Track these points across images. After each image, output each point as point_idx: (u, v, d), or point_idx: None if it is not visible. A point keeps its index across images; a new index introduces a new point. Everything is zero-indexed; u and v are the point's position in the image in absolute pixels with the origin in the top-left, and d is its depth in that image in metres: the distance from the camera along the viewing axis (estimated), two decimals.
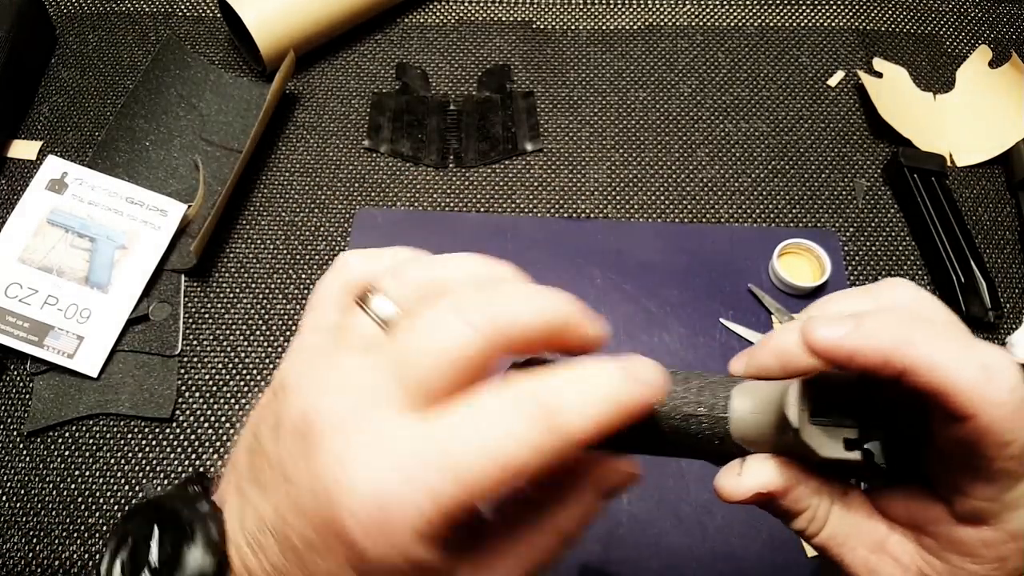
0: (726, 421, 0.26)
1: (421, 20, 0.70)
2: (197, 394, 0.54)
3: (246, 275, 0.58)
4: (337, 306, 0.24)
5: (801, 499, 0.25)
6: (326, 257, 0.59)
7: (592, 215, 0.61)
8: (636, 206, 0.61)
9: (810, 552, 0.48)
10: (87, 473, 0.51)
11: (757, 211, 0.61)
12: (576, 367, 0.22)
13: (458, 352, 0.21)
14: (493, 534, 0.23)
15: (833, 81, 0.67)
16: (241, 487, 0.23)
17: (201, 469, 0.52)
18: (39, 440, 0.52)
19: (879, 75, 0.66)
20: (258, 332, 0.56)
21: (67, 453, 0.52)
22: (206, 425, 0.53)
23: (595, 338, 0.24)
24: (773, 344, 0.26)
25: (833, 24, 0.70)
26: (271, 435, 0.22)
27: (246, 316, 0.57)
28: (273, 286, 0.58)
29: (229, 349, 0.55)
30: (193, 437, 0.52)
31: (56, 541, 0.49)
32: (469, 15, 0.71)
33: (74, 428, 0.53)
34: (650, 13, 0.71)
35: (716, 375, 0.27)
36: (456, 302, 0.22)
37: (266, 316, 0.57)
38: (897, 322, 0.22)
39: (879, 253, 0.59)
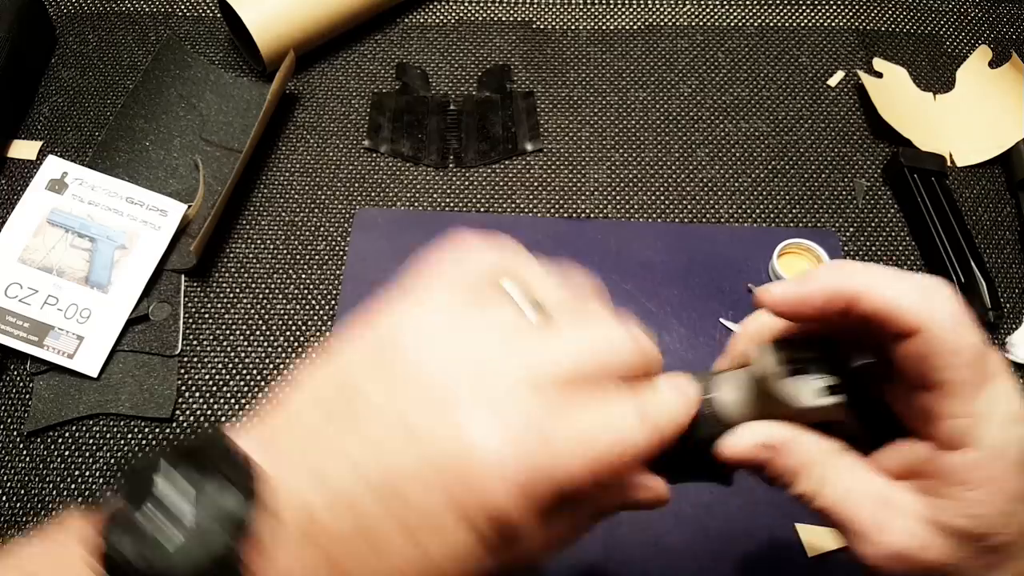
0: (711, 402, 0.28)
1: (421, 20, 0.70)
2: (197, 394, 0.54)
3: (246, 275, 0.58)
4: (469, 285, 0.26)
5: (798, 456, 0.26)
6: (326, 257, 0.59)
7: (592, 215, 0.61)
8: (636, 206, 0.61)
9: (810, 552, 0.48)
10: (87, 473, 0.51)
11: (757, 211, 0.61)
12: (660, 385, 0.26)
13: (610, 358, 0.25)
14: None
15: (833, 81, 0.67)
16: (319, 439, 0.23)
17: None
18: (39, 440, 0.52)
19: (879, 75, 0.66)
20: (258, 332, 0.56)
21: (67, 453, 0.52)
22: (206, 425, 0.53)
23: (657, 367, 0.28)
24: (743, 330, 0.29)
25: (833, 24, 0.70)
26: (382, 388, 0.23)
27: (246, 316, 0.57)
28: (273, 286, 0.58)
29: (229, 349, 0.55)
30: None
31: None
32: (469, 15, 0.71)
33: (74, 428, 0.53)
34: (650, 13, 0.71)
35: (698, 373, 0.29)
36: (611, 317, 0.26)
37: (266, 316, 0.57)
38: (838, 266, 0.26)
39: (879, 253, 0.59)
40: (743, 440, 0.27)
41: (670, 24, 0.70)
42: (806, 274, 0.26)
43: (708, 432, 0.27)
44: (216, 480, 0.21)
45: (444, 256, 0.27)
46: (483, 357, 0.23)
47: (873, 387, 0.27)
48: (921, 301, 0.24)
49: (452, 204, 0.61)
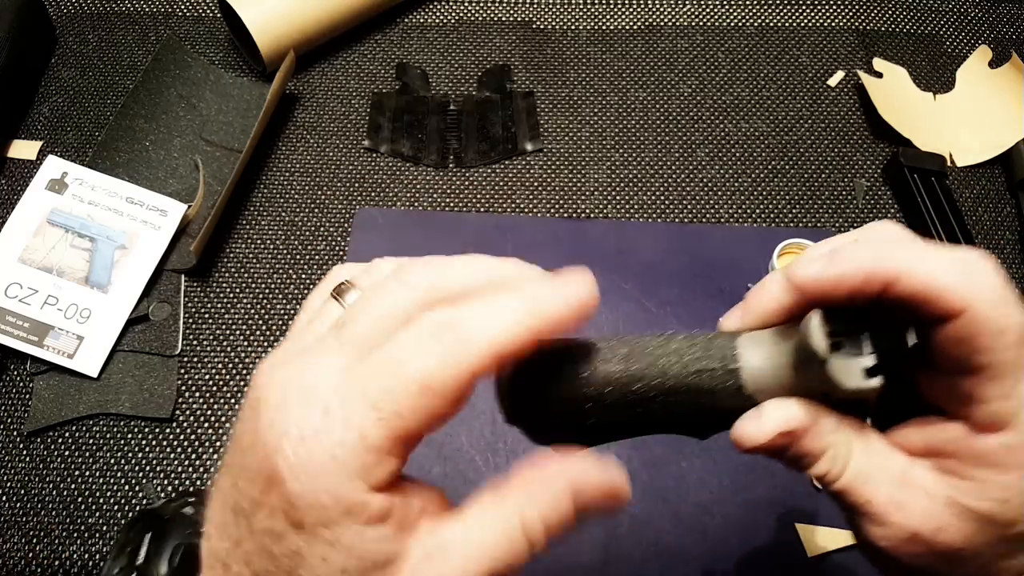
0: (738, 372, 0.25)
1: (421, 20, 0.70)
2: (197, 394, 0.54)
3: (246, 275, 0.58)
4: (313, 310, 0.26)
5: (822, 436, 0.24)
6: (326, 257, 0.59)
7: (592, 215, 0.61)
8: (636, 206, 0.61)
9: (810, 552, 0.48)
10: (87, 473, 0.51)
11: (757, 211, 0.61)
12: (484, 302, 0.23)
13: (396, 312, 0.22)
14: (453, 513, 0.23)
15: (833, 81, 0.67)
16: (219, 482, 0.24)
17: (198, 480, 0.52)
18: (39, 440, 0.52)
19: (879, 75, 0.66)
20: (258, 332, 0.56)
21: (67, 453, 0.52)
22: (206, 425, 0.53)
23: (584, 312, 0.25)
24: (768, 289, 0.26)
25: (833, 24, 0.70)
26: (244, 414, 0.23)
27: (246, 316, 0.57)
28: (273, 286, 0.58)
29: (229, 349, 0.55)
30: (193, 437, 0.52)
31: (56, 541, 0.49)
32: (469, 15, 0.71)
33: (74, 428, 0.53)
34: (650, 13, 0.71)
35: (708, 333, 0.27)
36: (405, 279, 0.23)
37: (266, 316, 0.57)
38: (874, 243, 0.24)
39: None
40: (766, 429, 0.24)
41: (670, 24, 0.70)
42: (837, 251, 0.23)
43: (725, 403, 0.25)
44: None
45: (308, 297, 0.28)
46: (301, 353, 0.23)
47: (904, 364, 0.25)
48: (964, 279, 0.22)
49: (452, 204, 0.61)
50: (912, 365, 0.25)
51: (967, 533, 0.23)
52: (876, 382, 0.23)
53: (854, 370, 0.23)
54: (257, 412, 0.21)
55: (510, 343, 0.22)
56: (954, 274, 0.22)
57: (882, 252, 0.23)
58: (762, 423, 0.24)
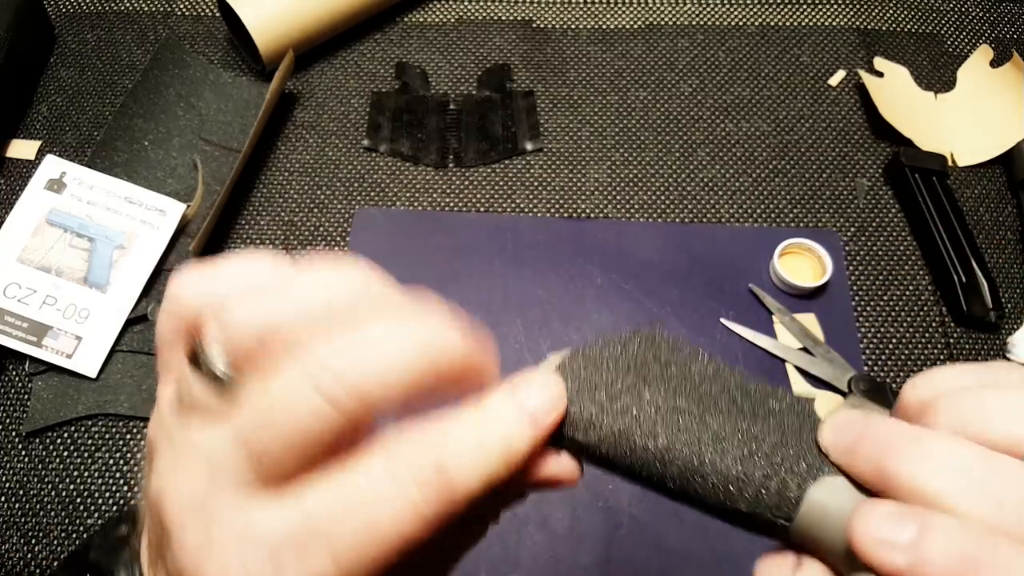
0: (794, 508, 0.20)
1: (421, 19, 0.70)
2: None
3: None
4: (174, 351, 0.20)
5: None
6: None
7: (592, 215, 0.61)
8: (636, 206, 0.61)
9: None
10: (86, 473, 0.51)
11: (758, 211, 0.61)
12: (464, 414, 0.19)
13: (314, 431, 0.18)
14: None
15: (834, 81, 0.67)
16: (150, 552, 0.21)
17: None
18: (38, 440, 0.52)
19: (880, 74, 0.66)
20: None
21: (66, 453, 0.52)
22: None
23: (486, 371, 0.21)
24: (873, 447, 0.20)
25: (834, 23, 0.70)
26: (149, 516, 0.20)
27: None
28: None
29: None
30: None
31: (55, 541, 0.49)
32: (469, 14, 0.70)
33: (73, 428, 0.52)
34: (650, 13, 0.70)
35: (791, 421, 0.21)
36: (306, 363, 0.18)
37: None
38: (970, 554, 0.17)
39: (880, 253, 0.59)
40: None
41: (670, 24, 0.70)
42: (921, 533, 0.18)
43: (763, 510, 0.21)
44: None
45: (158, 318, 0.21)
46: (193, 467, 0.18)
47: None
48: None
49: (452, 204, 0.61)
50: None
51: None
52: None
53: None
54: (170, 541, 0.18)
55: (495, 484, 0.19)
56: None
57: (966, 566, 0.17)
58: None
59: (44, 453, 0.52)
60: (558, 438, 0.22)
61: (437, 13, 0.71)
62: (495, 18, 0.70)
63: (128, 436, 0.52)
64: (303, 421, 0.17)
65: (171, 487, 0.19)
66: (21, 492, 0.50)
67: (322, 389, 0.17)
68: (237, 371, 0.18)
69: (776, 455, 0.21)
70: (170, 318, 0.20)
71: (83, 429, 0.52)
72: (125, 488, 0.51)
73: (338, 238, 0.59)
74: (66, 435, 0.52)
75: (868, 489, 0.20)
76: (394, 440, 0.19)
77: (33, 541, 0.49)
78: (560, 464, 0.22)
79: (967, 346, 0.56)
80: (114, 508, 0.50)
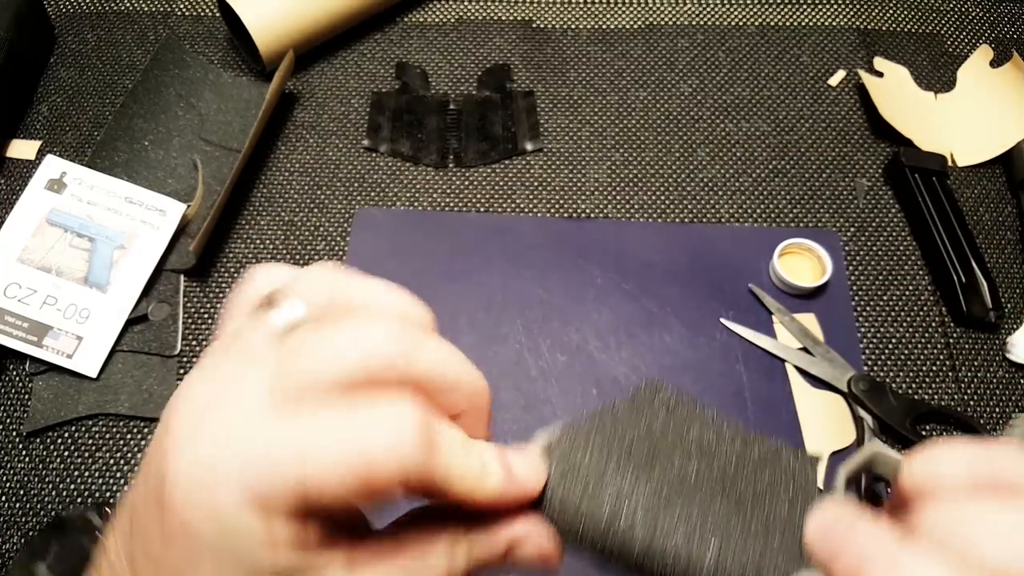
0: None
1: (421, 20, 0.70)
2: None
3: None
4: (243, 313, 0.22)
5: None
6: (326, 257, 0.59)
7: (592, 215, 0.61)
8: (636, 206, 0.61)
9: None
10: (86, 473, 0.51)
11: (757, 211, 0.61)
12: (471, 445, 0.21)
13: (349, 366, 0.19)
14: (380, 544, 0.21)
15: (834, 81, 0.67)
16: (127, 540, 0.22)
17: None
18: (38, 440, 0.52)
19: (880, 75, 0.66)
20: None
21: (66, 453, 0.52)
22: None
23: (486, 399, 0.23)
24: (853, 559, 0.20)
25: (834, 23, 0.70)
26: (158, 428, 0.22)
27: None
28: None
29: None
30: None
31: None
32: (469, 15, 0.70)
33: (73, 428, 0.52)
34: (650, 13, 0.70)
35: (778, 506, 0.21)
36: (366, 321, 0.20)
37: None
38: None
39: (880, 253, 0.59)
40: None
41: (670, 24, 0.70)
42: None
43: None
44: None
45: (226, 302, 0.24)
46: (213, 377, 0.20)
47: None
48: None
49: (452, 204, 0.61)
50: None
51: None
52: None
53: None
54: (164, 430, 0.20)
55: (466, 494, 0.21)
56: None
57: None
58: None
59: (45, 453, 0.52)
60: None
61: (437, 13, 0.71)
62: (495, 18, 0.70)
63: (128, 436, 0.52)
64: (341, 352, 0.19)
65: (184, 393, 0.20)
66: (22, 492, 0.51)
67: (369, 335, 0.20)
68: (302, 320, 0.21)
69: (756, 550, 0.21)
70: (247, 292, 0.23)
71: (83, 429, 0.52)
72: (125, 488, 0.51)
73: (338, 238, 0.59)
74: (67, 435, 0.52)
75: None
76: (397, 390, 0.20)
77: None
78: (536, 541, 0.22)
79: (967, 346, 0.56)
80: (114, 508, 0.50)
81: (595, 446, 0.23)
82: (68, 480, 0.51)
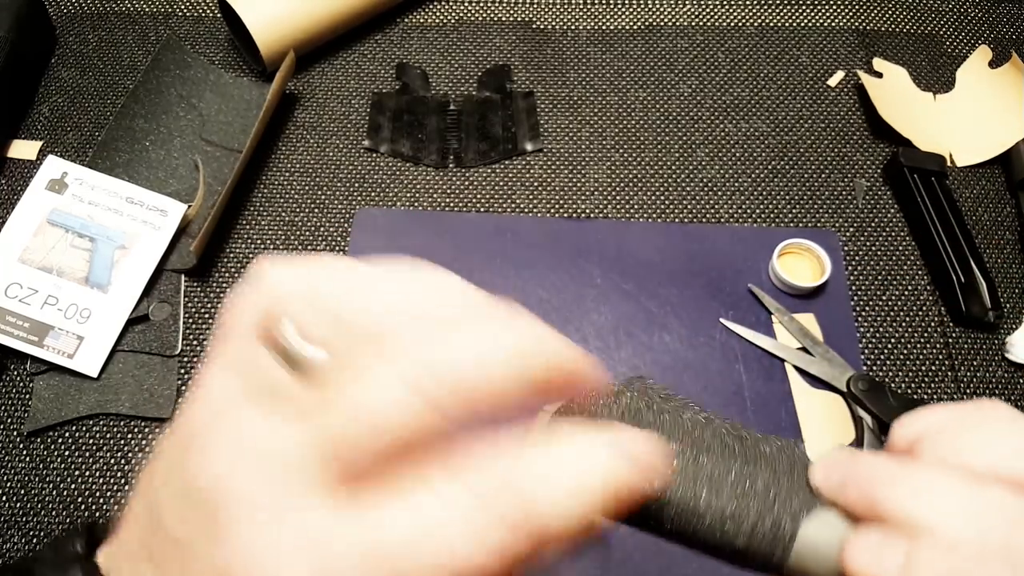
0: (789, 543, 0.21)
1: (421, 20, 0.70)
2: None
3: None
4: (248, 336, 0.19)
5: None
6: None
7: (592, 215, 0.61)
8: (636, 206, 0.61)
9: None
10: (87, 473, 0.51)
11: (757, 211, 0.61)
12: (558, 447, 0.18)
13: (400, 426, 0.16)
14: None
15: (833, 81, 0.67)
16: (134, 565, 0.19)
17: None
18: (39, 440, 0.52)
19: (879, 75, 0.66)
20: None
21: (67, 453, 0.52)
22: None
23: (584, 374, 0.19)
24: (863, 480, 0.20)
25: (833, 24, 0.70)
26: (177, 506, 0.18)
27: None
28: None
29: None
30: None
31: None
32: (469, 15, 0.71)
33: (74, 428, 0.53)
34: (650, 13, 0.71)
35: (782, 462, 0.22)
36: (398, 357, 0.17)
37: None
38: (954, 563, 0.18)
39: (879, 253, 0.59)
40: None
41: (670, 24, 0.70)
42: (914, 560, 0.18)
43: (761, 550, 0.22)
44: None
45: (232, 302, 0.20)
46: (258, 455, 0.17)
47: None
48: None
49: (452, 204, 0.61)
50: None
51: None
52: None
53: None
54: (219, 532, 0.17)
55: (578, 531, 0.17)
56: None
57: None
58: None
59: (45, 452, 0.52)
60: None
61: (437, 14, 0.71)
62: (495, 19, 0.70)
63: (129, 436, 0.52)
64: (391, 418, 0.16)
65: (229, 477, 0.17)
66: (22, 491, 0.51)
67: (416, 385, 0.16)
68: (323, 356, 0.17)
69: (769, 493, 0.21)
70: (251, 305, 0.19)
71: (84, 429, 0.53)
72: (126, 487, 0.51)
73: (338, 238, 0.60)
74: (67, 435, 0.52)
75: (859, 521, 0.21)
76: (479, 466, 0.17)
77: (35, 540, 0.49)
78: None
79: (966, 346, 0.56)
80: (115, 507, 0.50)
81: (602, 414, 0.23)
82: (69, 480, 0.51)
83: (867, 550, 0.19)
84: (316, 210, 0.61)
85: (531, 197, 0.61)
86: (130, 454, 0.52)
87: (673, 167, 0.63)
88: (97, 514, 0.50)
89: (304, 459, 0.17)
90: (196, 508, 0.17)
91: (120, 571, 0.20)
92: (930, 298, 0.58)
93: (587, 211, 0.61)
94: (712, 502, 0.21)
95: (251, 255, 0.59)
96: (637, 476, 0.18)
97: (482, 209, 0.61)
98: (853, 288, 0.58)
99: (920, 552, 0.18)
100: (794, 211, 0.61)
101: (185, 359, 0.55)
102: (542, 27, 0.70)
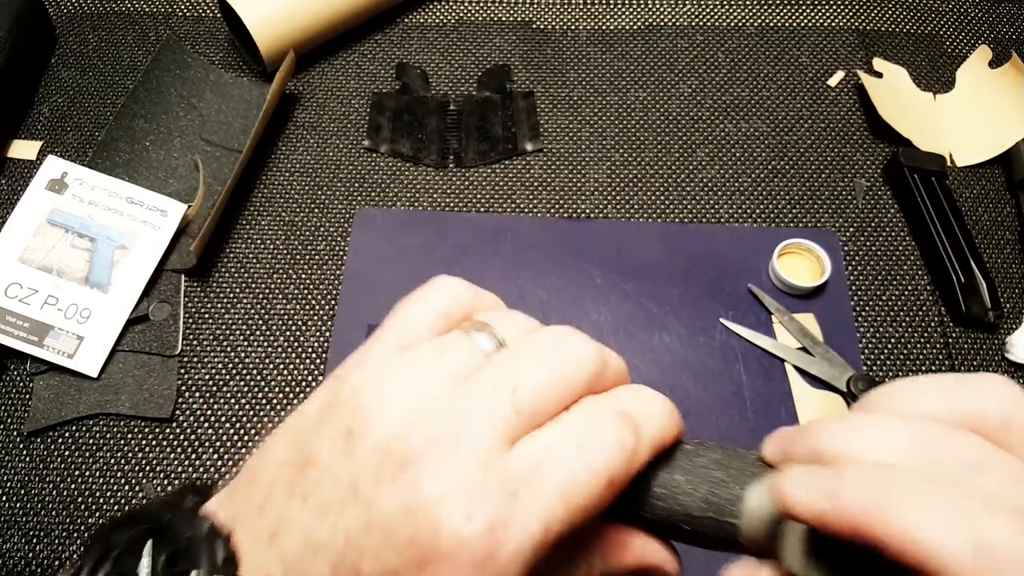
0: (738, 505, 0.22)
1: (421, 20, 0.70)
2: (197, 394, 0.54)
3: (246, 275, 0.58)
4: (431, 328, 0.24)
5: None
6: (326, 257, 0.59)
7: (592, 215, 0.61)
8: (636, 206, 0.61)
9: None
10: (87, 473, 0.51)
11: (757, 211, 0.61)
12: (637, 391, 0.23)
13: (573, 369, 0.22)
14: None
15: (833, 81, 0.67)
16: (273, 506, 0.21)
17: (198, 479, 0.52)
18: (39, 440, 0.52)
19: (879, 75, 0.66)
20: (258, 332, 0.56)
21: (67, 453, 0.52)
22: (206, 425, 0.53)
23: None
24: (807, 437, 0.22)
25: (833, 24, 0.70)
26: (339, 448, 0.21)
27: (246, 316, 0.57)
28: (273, 286, 0.58)
29: (229, 349, 0.55)
30: (193, 437, 0.52)
31: (56, 541, 0.49)
32: (469, 15, 0.71)
33: (74, 428, 0.53)
34: (650, 13, 0.71)
35: (740, 454, 0.24)
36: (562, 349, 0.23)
37: (266, 316, 0.57)
38: (878, 482, 0.19)
39: (879, 253, 0.59)
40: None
41: (670, 24, 0.70)
42: (839, 473, 0.19)
43: (711, 528, 0.23)
44: (202, 572, 0.21)
45: (412, 300, 0.25)
46: (453, 411, 0.21)
47: None
48: (972, 569, 0.16)
49: (452, 204, 0.61)
50: None
51: None
52: None
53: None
54: (409, 471, 0.20)
55: (659, 449, 0.23)
56: (960, 560, 0.17)
57: (877, 502, 0.18)
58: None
59: (45, 452, 0.52)
60: None
61: (437, 14, 0.71)
62: (495, 19, 0.70)
63: (129, 436, 0.52)
64: (565, 364, 0.22)
65: (424, 426, 0.20)
66: (22, 491, 0.51)
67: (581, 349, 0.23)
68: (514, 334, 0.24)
69: (719, 470, 0.23)
70: (437, 301, 0.24)
71: (84, 429, 0.53)
72: (126, 487, 0.51)
73: (338, 238, 0.60)
74: (67, 435, 0.52)
75: None
76: (589, 399, 0.22)
77: (35, 540, 0.49)
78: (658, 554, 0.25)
79: (965, 346, 0.56)
80: (115, 508, 0.50)
81: None
82: (69, 480, 0.51)
83: (796, 478, 0.20)
84: (316, 210, 0.61)
85: (531, 197, 0.61)
86: (130, 454, 0.52)
87: (673, 167, 0.63)
88: (97, 514, 0.50)
89: (493, 410, 0.21)
90: (378, 450, 0.20)
91: (245, 521, 0.22)
92: (930, 298, 0.58)
93: (587, 211, 0.61)
94: (666, 480, 0.23)
95: (251, 255, 0.59)
96: (677, 419, 0.24)
97: (482, 209, 0.61)
98: (853, 288, 0.58)
99: (847, 472, 0.19)
100: (794, 211, 0.61)
101: (185, 359, 0.55)
102: (542, 27, 0.70)
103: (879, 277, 0.58)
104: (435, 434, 0.20)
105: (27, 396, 0.53)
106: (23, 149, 0.63)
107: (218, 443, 0.52)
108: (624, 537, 0.24)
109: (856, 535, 0.18)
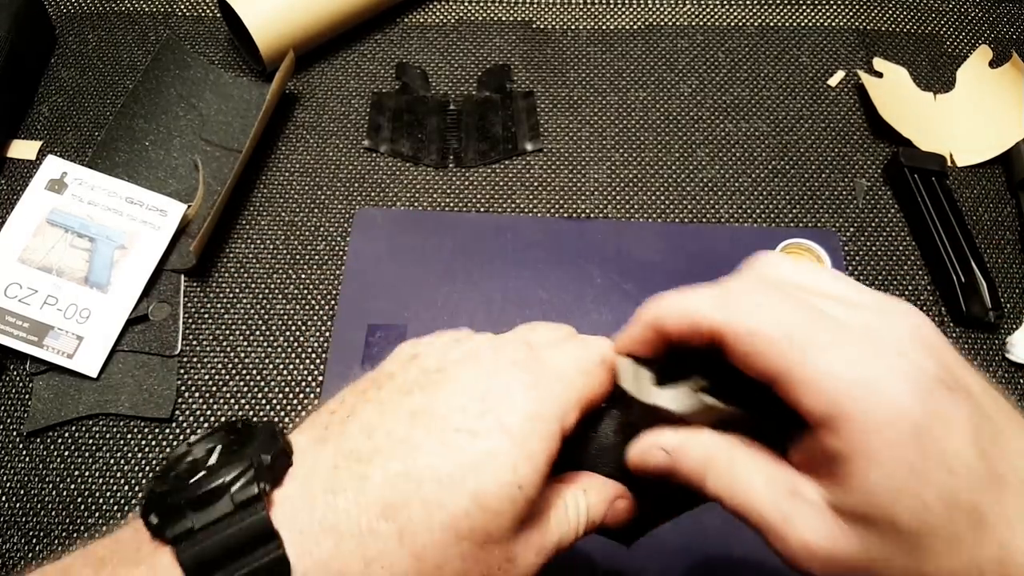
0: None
1: (421, 20, 0.70)
2: (197, 394, 0.54)
3: (246, 275, 0.58)
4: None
5: (696, 453, 0.26)
6: (326, 257, 0.59)
7: (592, 215, 0.61)
8: (636, 206, 0.61)
9: None
10: (87, 473, 0.51)
11: (757, 211, 0.61)
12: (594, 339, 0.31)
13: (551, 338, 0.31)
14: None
15: (833, 81, 0.67)
16: (343, 408, 0.27)
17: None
18: (39, 440, 0.52)
19: (879, 75, 0.66)
20: (258, 332, 0.56)
21: (67, 453, 0.52)
22: (206, 425, 0.53)
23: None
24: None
25: (833, 24, 0.70)
26: (406, 365, 0.28)
27: (246, 316, 0.57)
28: (273, 286, 0.58)
29: (229, 349, 0.55)
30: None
31: (56, 541, 0.49)
32: (469, 15, 0.70)
33: (74, 428, 0.53)
34: (650, 13, 0.70)
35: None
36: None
37: (266, 316, 0.57)
38: (713, 290, 0.27)
39: (879, 253, 0.59)
40: (637, 446, 0.28)
41: (670, 24, 0.70)
42: (683, 291, 0.27)
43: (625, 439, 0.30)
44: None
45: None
46: (496, 375, 0.27)
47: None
48: (715, 308, 0.25)
49: (452, 204, 0.61)
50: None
51: (859, 544, 0.22)
52: (710, 400, 0.26)
53: (685, 397, 0.27)
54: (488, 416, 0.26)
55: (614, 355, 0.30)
56: (705, 305, 0.26)
57: (714, 301, 0.26)
58: (638, 443, 0.28)
59: (45, 453, 0.52)
60: None
61: (437, 14, 0.71)
62: (495, 19, 0.70)
63: (129, 436, 0.52)
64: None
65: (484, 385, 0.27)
66: (22, 492, 0.51)
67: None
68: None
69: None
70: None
71: (84, 429, 0.53)
72: (126, 487, 0.51)
73: (338, 238, 0.60)
74: (67, 435, 0.52)
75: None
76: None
77: (34, 540, 0.49)
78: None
79: (966, 346, 0.56)
80: (115, 508, 0.50)
81: None
82: (68, 480, 0.51)
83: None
84: (316, 210, 0.61)
85: (531, 197, 0.61)
86: (129, 454, 0.52)
87: (673, 167, 0.63)
88: (97, 514, 0.50)
89: (516, 375, 0.27)
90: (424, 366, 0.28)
91: (313, 425, 0.27)
92: (930, 298, 0.58)
93: (587, 211, 0.61)
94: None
95: (251, 255, 0.59)
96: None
97: (482, 209, 0.61)
98: None
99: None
100: (794, 211, 0.61)
101: (185, 359, 0.55)
102: (542, 27, 0.70)
103: (879, 277, 0.58)
104: (492, 397, 0.27)
105: (27, 396, 0.53)
106: (23, 149, 0.63)
107: None
108: (591, 477, 0.30)
109: (692, 332, 0.26)
